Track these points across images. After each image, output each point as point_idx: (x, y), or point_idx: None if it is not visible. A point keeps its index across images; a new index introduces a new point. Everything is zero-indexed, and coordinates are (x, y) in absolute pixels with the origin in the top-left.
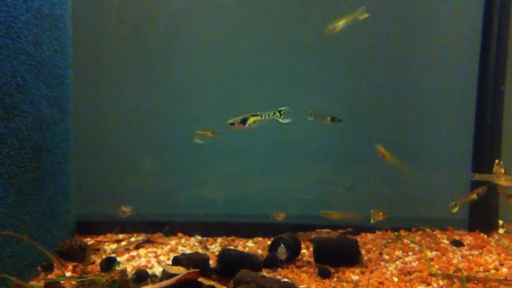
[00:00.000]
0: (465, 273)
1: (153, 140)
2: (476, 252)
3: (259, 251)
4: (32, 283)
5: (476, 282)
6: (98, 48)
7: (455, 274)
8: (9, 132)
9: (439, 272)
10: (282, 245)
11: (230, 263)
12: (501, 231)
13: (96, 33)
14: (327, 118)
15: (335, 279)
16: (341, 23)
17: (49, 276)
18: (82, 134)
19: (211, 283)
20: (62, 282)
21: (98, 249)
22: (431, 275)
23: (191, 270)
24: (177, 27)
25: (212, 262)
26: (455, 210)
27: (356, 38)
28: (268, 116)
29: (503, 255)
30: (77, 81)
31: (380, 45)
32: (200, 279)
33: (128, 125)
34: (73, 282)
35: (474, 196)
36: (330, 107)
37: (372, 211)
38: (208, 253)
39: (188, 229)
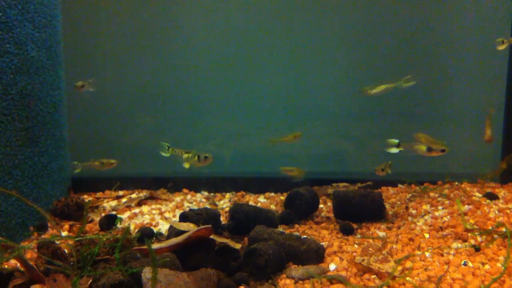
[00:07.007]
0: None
1: (155, 93)
2: None
3: (273, 207)
4: (23, 244)
5: None
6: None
7: (496, 229)
8: None
9: (475, 227)
10: None
11: (244, 219)
12: None
13: None
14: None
15: (359, 236)
16: None
17: (43, 236)
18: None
19: (225, 240)
20: (57, 242)
21: (97, 207)
22: (467, 230)
23: (203, 227)
24: None
25: (222, 219)
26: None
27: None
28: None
29: None
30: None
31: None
32: (212, 236)
33: (128, 78)
34: (70, 242)
35: None
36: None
37: None
38: (217, 209)
39: (194, 185)
